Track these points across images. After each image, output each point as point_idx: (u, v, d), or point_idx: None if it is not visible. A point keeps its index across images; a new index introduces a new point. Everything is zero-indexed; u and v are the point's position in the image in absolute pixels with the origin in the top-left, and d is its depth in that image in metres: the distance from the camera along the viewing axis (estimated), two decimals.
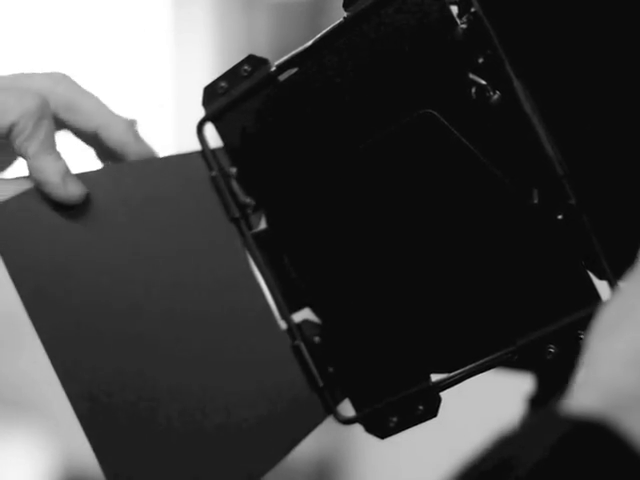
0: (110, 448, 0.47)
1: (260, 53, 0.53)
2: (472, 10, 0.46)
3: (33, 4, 2.00)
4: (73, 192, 0.48)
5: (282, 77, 0.51)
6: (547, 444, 0.35)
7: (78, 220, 0.48)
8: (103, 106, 0.53)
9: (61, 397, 0.47)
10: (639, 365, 0.37)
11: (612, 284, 0.46)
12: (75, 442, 0.47)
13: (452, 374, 0.49)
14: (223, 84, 0.52)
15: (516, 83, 0.46)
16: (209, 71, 1.96)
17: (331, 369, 0.53)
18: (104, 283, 0.48)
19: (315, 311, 0.53)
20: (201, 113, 0.54)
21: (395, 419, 0.50)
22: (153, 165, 0.52)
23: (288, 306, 0.53)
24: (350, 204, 0.50)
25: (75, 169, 0.50)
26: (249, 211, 0.53)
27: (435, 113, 0.47)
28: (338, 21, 0.49)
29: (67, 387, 0.46)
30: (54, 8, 2.00)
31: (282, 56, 0.51)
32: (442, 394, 0.50)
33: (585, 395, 0.38)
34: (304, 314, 0.53)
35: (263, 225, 0.54)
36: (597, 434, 0.36)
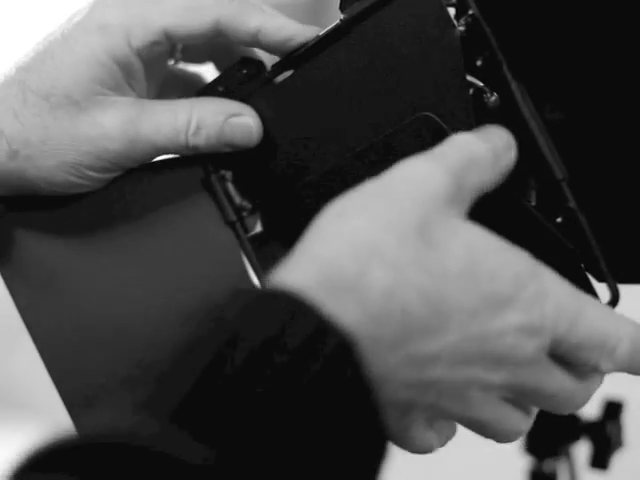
0: None
1: (260, 53, 0.52)
2: (470, 12, 0.46)
3: (33, 2, 2.00)
4: None
5: (278, 79, 0.51)
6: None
7: (73, 226, 0.49)
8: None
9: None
10: (363, 253, 0.37)
11: (611, 286, 0.46)
12: None
13: None
14: (218, 86, 0.52)
15: (514, 85, 0.46)
16: (208, 71, 1.95)
17: None
18: (99, 287, 0.48)
19: None
20: None
21: None
22: (149, 169, 0.52)
23: None
24: None
25: None
26: (245, 214, 0.53)
27: (433, 116, 0.47)
28: (334, 23, 0.49)
29: (61, 390, 0.46)
30: (55, 7, 2.00)
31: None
32: None
33: (301, 269, 0.38)
34: None
35: (259, 228, 0.53)
36: (301, 312, 0.36)
